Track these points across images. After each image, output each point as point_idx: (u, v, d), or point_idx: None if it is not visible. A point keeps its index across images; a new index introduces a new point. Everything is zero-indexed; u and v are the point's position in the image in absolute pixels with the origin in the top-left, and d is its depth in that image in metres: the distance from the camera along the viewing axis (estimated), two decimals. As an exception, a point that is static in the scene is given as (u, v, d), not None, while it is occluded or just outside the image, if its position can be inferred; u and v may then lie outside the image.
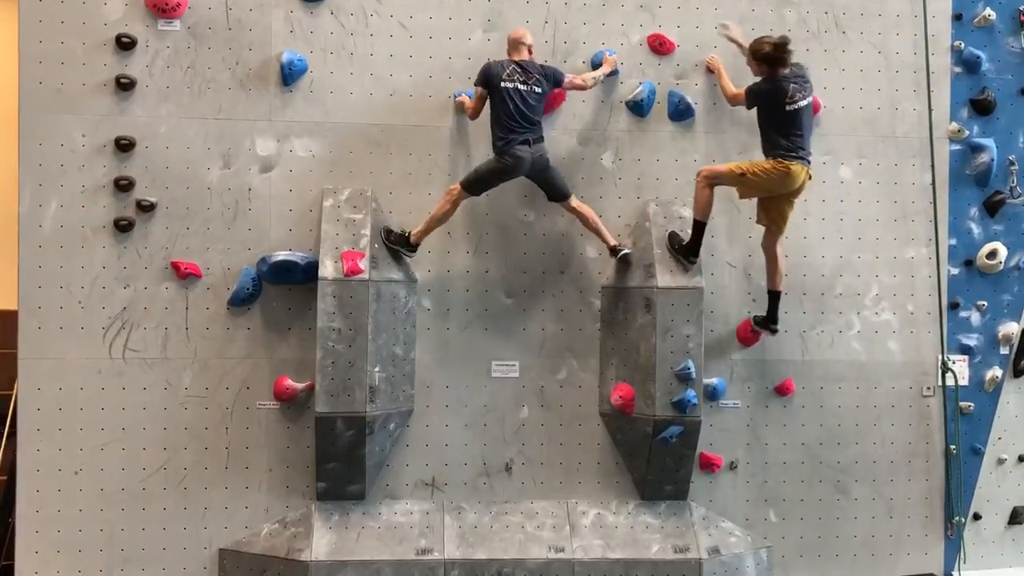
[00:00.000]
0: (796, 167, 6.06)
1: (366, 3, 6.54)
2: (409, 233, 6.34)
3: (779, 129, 6.10)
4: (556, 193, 6.36)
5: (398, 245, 6.35)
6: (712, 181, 6.25)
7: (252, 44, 6.44)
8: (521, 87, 6.09)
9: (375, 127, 6.55)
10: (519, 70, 6.12)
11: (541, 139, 6.18)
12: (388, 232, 6.39)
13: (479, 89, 6.21)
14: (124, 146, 6.31)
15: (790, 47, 6.03)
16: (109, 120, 6.31)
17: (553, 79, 6.23)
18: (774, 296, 6.50)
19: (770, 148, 6.14)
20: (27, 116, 6.25)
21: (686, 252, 6.42)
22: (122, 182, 6.31)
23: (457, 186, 6.21)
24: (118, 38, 6.30)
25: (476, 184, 6.22)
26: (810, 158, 6.16)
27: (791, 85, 6.04)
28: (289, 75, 6.43)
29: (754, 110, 6.27)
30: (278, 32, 6.46)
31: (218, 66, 6.42)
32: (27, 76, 6.25)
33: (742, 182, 6.19)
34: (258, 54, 6.45)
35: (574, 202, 6.40)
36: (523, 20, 6.62)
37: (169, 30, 6.37)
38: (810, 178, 6.20)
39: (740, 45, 6.49)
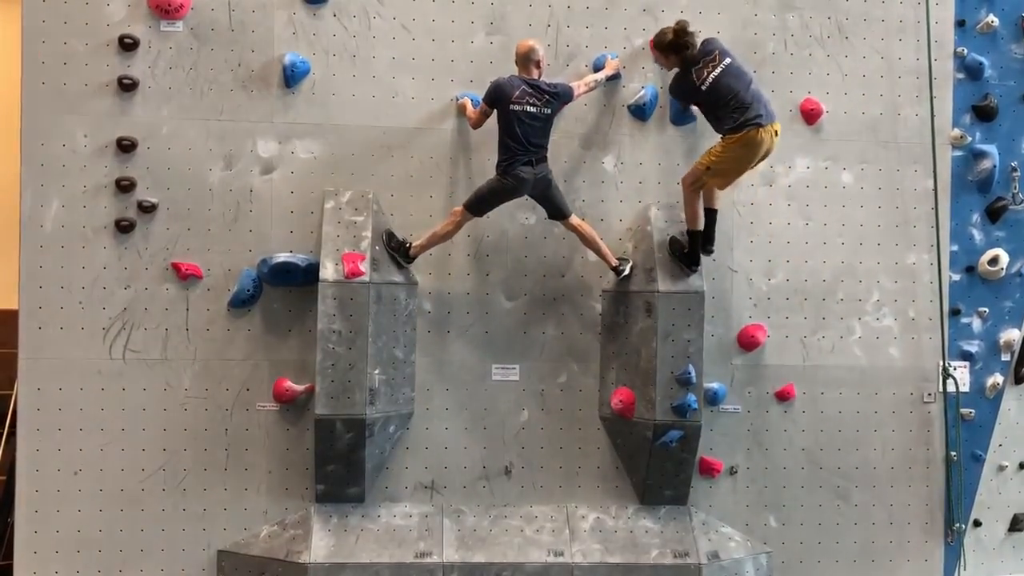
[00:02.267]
0: (751, 135, 5.93)
1: (369, 5, 6.55)
2: (411, 245, 6.34)
3: (712, 109, 6.08)
4: (556, 212, 6.34)
5: (396, 253, 6.34)
6: (695, 186, 6.20)
7: (255, 46, 6.45)
8: (531, 109, 6.00)
9: (377, 129, 6.55)
10: (530, 92, 6.03)
11: (544, 159, 6.13)
12: (390, 237, 6.38)
13: (484, 106, 6.19)
14: (126, 147, 6.32)
15: (690, 29, 6.06)
16: (111, 120, 6.32)
17: (565, 97, 6.16)
18: (711, 214, 6.38)
19: (718, 130, 6.11)
20: (29, 116, 6.26)
21: (687, 260, 6.42)
22: (123, 183, 6.32)
23: (461, 208, 6.21)
24: (121, 39, 6.30)
25: (478, 204, 6.20)
26: (763, 116, 5.94)
27: (694, 68, 6.04)
28: (291, 77, 6.43)
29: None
30: (280, 34, 6.46)
31: (220, 67, 6.42)
32: (29, 76, 6.25)
33: (712, 174, 6.11)
34: (260, 56, 6.45)
35: (574, 220, 6.37)
36: (526, 23, 6.63)
37: (172, 31, 6.37)
38: (776, 135, 6.03)
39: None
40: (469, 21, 6.62)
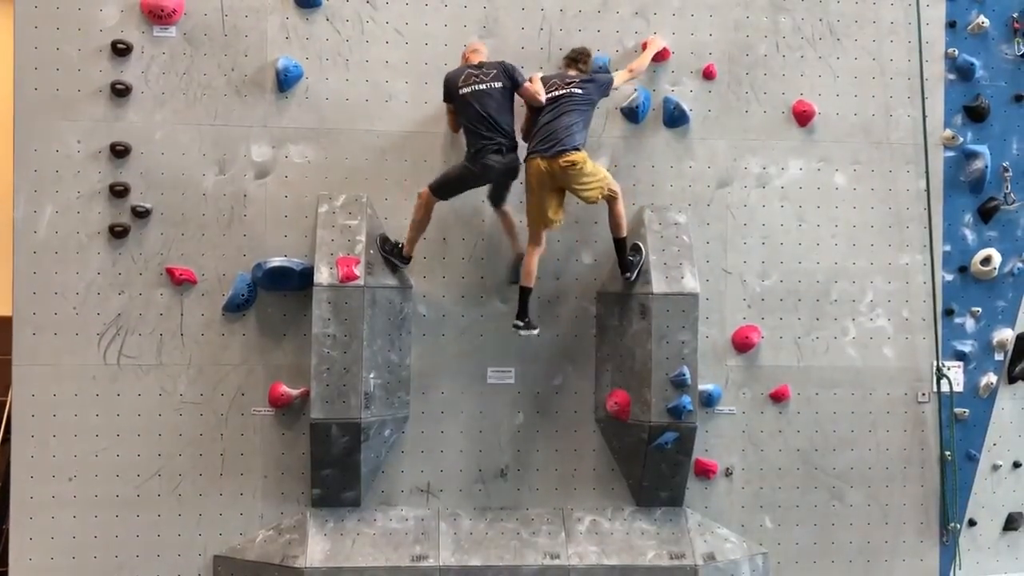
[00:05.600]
0: (528, 163, 6.02)
1: (362, 9, 6.56)
2: (403, 245, 6.33)
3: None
4: (500, 199, 6.32)
5: (392, 256, 6.34)
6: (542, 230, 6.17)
7: (248, 50, 6.45)
8: (480, 87, 6.01)
9: (370, 133, 6.56)
10: (475, 71, 6.06)
11: (514, 148, 6.10)
12: (384, 241, 6.38)
13: (446, 104, 6.24)
14: (119, 152, 6.32)
15: (584, 52, 6.33)
16: (105, 126, 6.32)
17: (511, 77, 6.09)
18: (619, 242, 6.33)
19: None
20: (22, 122, 6.26)
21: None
22: (117, 188, 6.32)
23: (426, 191, 6.18)
24: (114, 44, 6.31)
25: (443, 188, 6.17)
26: (546, 148, 5.93)
27: (554, 79, 6.17)
28: (285, 81, 6.43)
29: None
30: (274, 38, 6.47)
31: (214, 72, 6.42)
32: (22, 82, 6.25)
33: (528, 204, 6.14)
34: (254, 60, 6.45)
35: (507, 208, 6.39)
36: (518, 27, 6.65)
37: (165, 36, 6.38)
38: (547, 169, 5.93)
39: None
40: (462, 25, 6.63)
